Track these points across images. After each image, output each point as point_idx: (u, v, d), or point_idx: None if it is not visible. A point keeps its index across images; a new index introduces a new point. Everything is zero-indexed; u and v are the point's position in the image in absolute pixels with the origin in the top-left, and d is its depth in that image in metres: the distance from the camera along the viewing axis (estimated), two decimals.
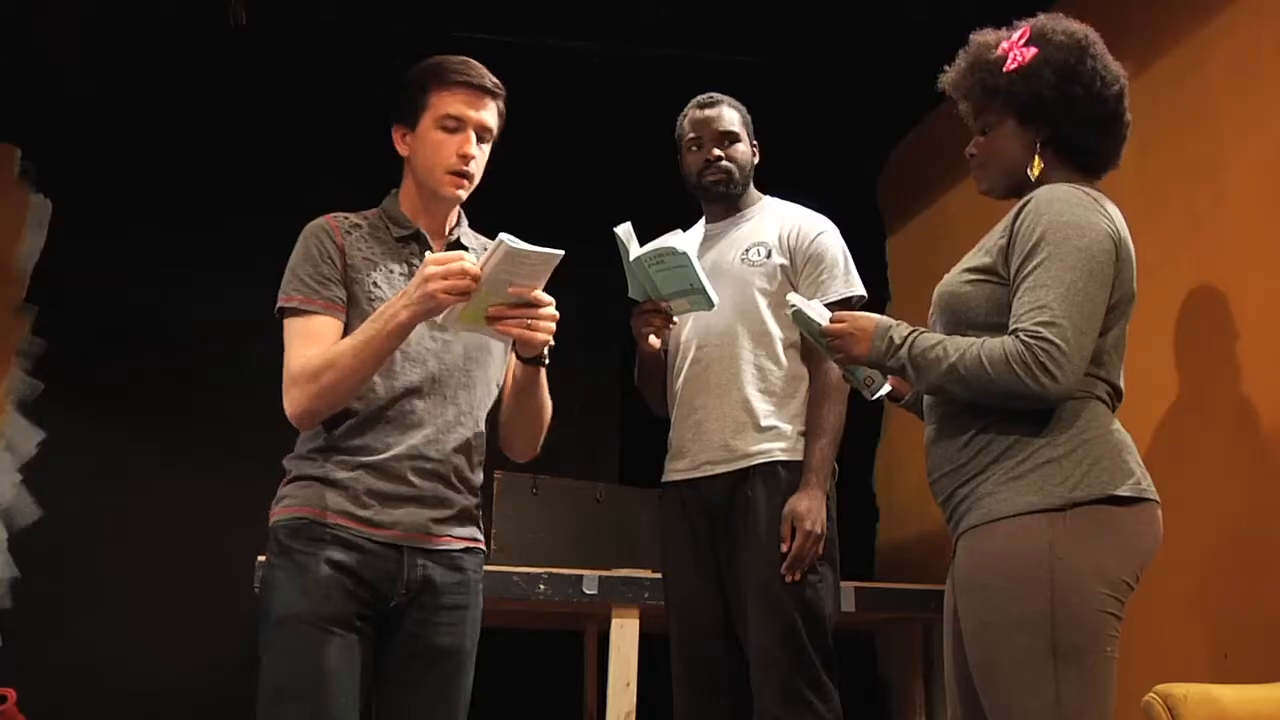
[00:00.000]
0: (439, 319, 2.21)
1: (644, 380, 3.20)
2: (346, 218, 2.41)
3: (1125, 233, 2.18)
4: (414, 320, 2.19)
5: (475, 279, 2.12)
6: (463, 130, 2.36)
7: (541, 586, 3.64)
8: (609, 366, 4.80)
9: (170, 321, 4.59)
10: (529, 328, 2.19)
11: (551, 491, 4.13)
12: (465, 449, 2.37)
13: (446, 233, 2.46)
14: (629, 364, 3.21)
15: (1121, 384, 2.19)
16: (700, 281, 2.64)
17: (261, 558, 2.51)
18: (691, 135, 3.16)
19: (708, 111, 3.16)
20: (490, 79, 2.39)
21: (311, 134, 4.60)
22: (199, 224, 4.61)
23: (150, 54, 4.41)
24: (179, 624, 4.29)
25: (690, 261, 2.59)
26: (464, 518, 2.38)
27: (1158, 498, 2.12)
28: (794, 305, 2.40)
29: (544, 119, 4.77)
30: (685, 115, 3.20)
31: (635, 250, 2.70)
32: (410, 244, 2.41)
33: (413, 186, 2.44)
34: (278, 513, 2.30)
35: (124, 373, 4.52)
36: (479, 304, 2.16)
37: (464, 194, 2.41)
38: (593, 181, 4.73)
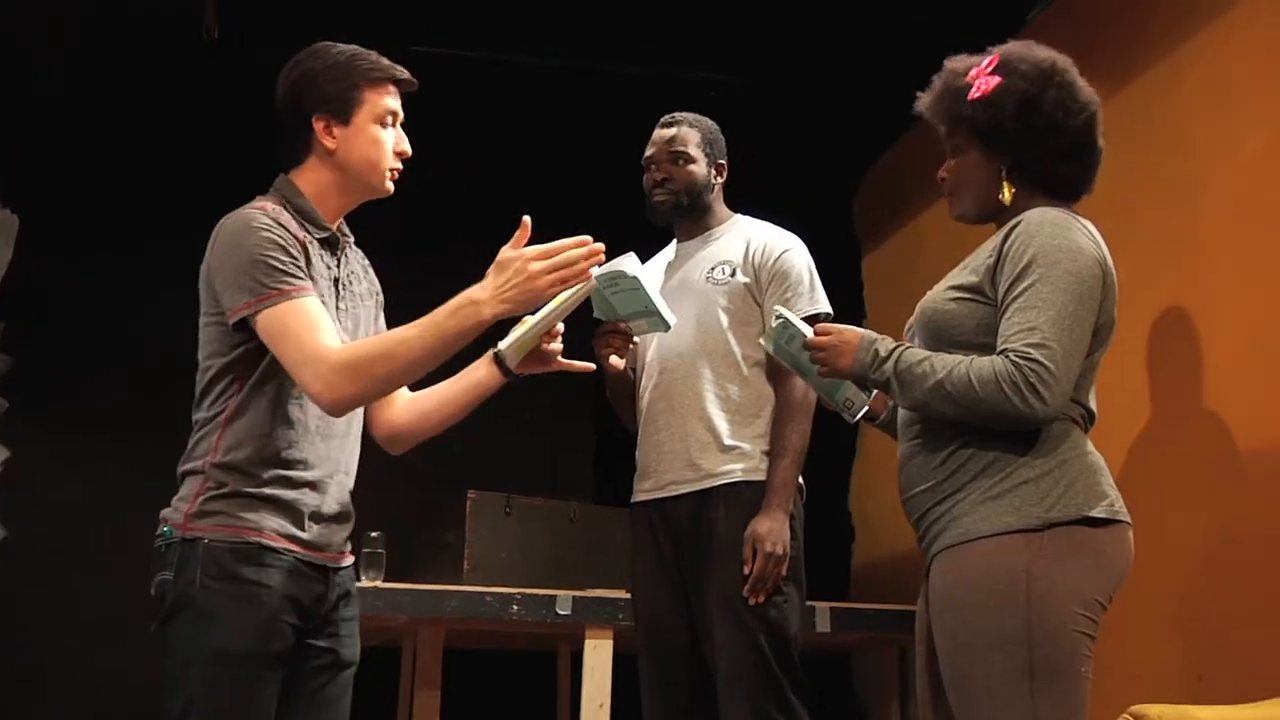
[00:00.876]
0: (502, 344, 2.22)
1: (615, 399, 3.19)
2: (277, 210, 2.19)
3: (1110, 261, 2.18)
4: (496, 319, 2.03)
5: (591, 255, 2.05)
6: (394, 126, 2.26)
7: (514, 607, 3.60)
8: (584, 383, 4.77)
9: (143, 335, 4.48)
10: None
11: (525, 511, 4.10)
12: (354, 454, 2.29)
13: (340, 233, 2.30)
14: (604, 380, 3.18)
15: (1094, 406, 2.20)
16: (653, 304, 2.60)
17: None
18: (647, 155, 3.16)
19: (662, 131, 3.16)
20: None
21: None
22: (170, 235, 4.48)
23: (120, 63, 4.35)
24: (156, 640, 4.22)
25: (641, 285, 2.55)
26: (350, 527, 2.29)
27: (1130, 519, 2.12)
28: (781, 316, 2.39)
29: (518, 136, 4.77)
30: None
31: None
32: (324, 247, 2.23)
33: (328, 180, 2.24)
34: (213, 530, 2.08)
35: (95, 388, 4.45)
36: (535, 336, 2.22)
37: None
38: (566, 198, 4.69)
